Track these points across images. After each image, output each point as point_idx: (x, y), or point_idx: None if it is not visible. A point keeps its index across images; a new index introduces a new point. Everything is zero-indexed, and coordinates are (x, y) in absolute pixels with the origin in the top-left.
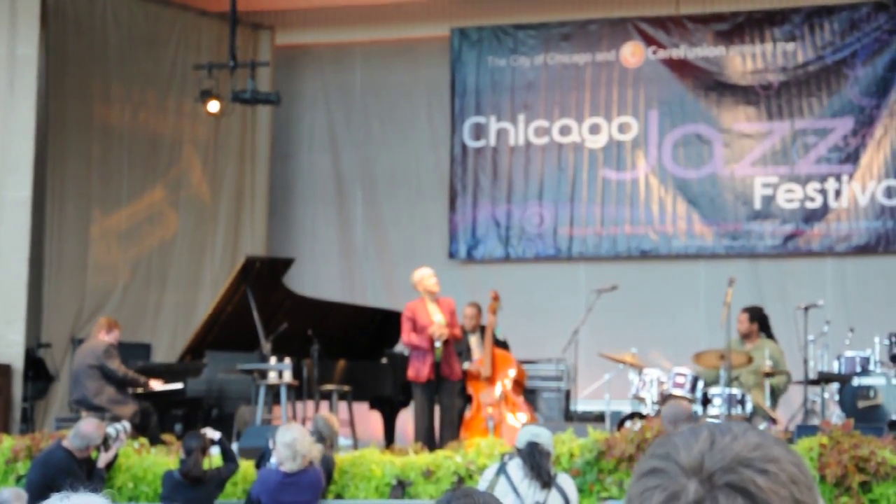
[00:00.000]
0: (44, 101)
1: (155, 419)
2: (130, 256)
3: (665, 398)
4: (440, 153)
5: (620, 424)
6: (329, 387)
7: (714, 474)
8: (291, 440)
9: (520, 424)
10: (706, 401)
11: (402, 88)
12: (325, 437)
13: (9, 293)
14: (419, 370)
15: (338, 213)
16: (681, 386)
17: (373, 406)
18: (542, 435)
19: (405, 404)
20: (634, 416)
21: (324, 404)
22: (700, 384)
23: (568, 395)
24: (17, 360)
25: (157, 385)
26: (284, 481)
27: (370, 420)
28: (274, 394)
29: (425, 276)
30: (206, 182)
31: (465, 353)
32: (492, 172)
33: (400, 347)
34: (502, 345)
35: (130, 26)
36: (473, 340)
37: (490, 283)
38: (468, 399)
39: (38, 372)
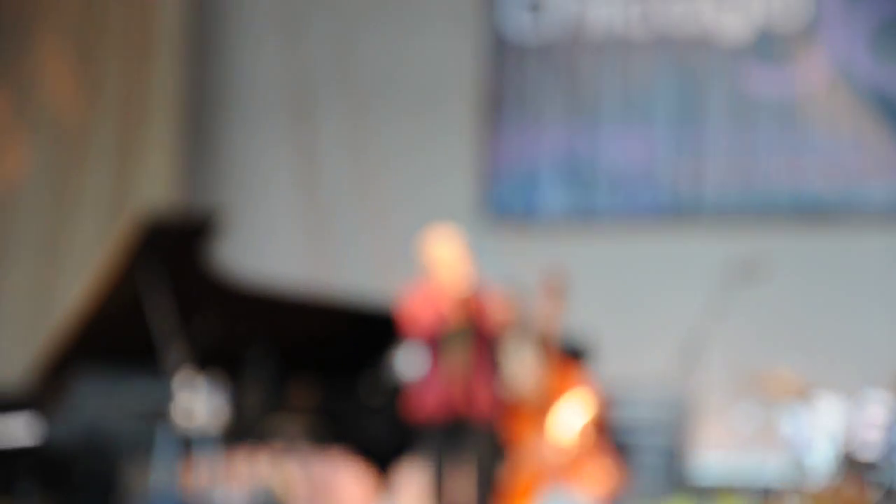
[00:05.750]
0: None
1: None
2: None
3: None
4: (469, 38)
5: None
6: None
7: None
8: None
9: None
10: None
11: None
12: None
13: None
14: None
15: (297, 142)
16: (874, 426)
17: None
18: None
19: (398, 452)
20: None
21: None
22: None
23: (680, 447)
24: None
25: None
26: None
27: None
28: (185, 441)
29: (444, 258)
30: (75, 87)
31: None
32: (563, 67)
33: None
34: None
35: None
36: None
37: (551, 257)
38: (498, 451)
39: None
